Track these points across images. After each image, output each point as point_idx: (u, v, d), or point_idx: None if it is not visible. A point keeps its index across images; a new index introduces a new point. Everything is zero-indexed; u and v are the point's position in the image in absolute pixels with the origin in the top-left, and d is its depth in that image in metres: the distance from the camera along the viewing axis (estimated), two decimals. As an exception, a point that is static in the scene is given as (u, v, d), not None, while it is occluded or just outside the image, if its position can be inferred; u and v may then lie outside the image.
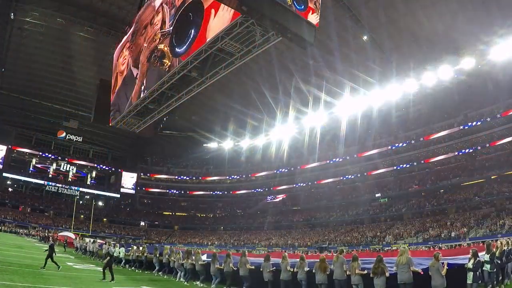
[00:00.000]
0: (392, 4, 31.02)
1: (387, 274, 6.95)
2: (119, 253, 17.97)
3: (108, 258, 12.14)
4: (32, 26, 37.34)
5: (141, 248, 16.91)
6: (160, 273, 14.26)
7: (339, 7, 30.26)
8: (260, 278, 9.49)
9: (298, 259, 9.08)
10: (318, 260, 8.62)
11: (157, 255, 14.74)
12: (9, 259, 15.05)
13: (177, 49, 12.63)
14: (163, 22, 13.74)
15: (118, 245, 20.29)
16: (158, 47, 13.89)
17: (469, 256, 7.89)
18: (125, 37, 18.38)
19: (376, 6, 31.08)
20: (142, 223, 63.92)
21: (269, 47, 11.48)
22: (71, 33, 39.06)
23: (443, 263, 6.87)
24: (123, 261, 17.27)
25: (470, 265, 7.68)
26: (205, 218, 65.06)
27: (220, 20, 10.48)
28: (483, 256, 8.60)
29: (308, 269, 8.54)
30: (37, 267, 13.14)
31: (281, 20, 8.57)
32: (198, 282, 11.44)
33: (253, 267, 9.91)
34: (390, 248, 36.05)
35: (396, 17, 32.47)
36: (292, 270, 8.81)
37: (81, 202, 61.28)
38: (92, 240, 25.37)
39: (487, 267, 8.44)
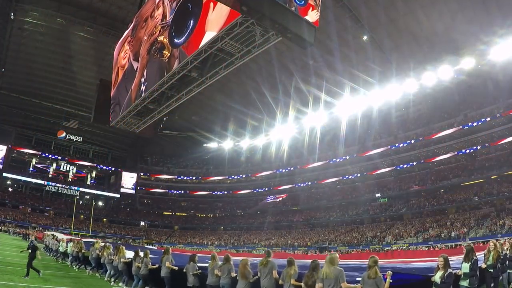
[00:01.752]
0: (392, 4, 31.06)
1: (318, 287, 5.25)
2: (66, 248, 16.88)
3: (30, 252, 11.06)
4: (32, 26, 37.38)
5: (78, 243, 15.44)
6: (92, 270, 13.30)
7: (339, 7, 30.31)
8: (185, 281, 8.07)
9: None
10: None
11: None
12: (9, 259, 15.07)
13: (176, 40, 12.64)
14: (164, 16, 13.76)
15: (65, 239, 19.08)
16: (158, 39, 13.92)
17: (438, 264, 5.60)
18: (126, 32, 18.44)
19: (376, 6, 31.12)
20: (142, 223, 63.91)
21: (269, 47, 11.46)
22: (71, 33, 39.11)
23: (385, 274, 5.01)
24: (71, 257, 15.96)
25: (437, 278, 5.49)
26: (205, 218, 65.06)
27: (218, 13, 10.51)
28: (461, 265, 6.36)
29: (235, 274, 7.00)
30: (37, 267, 13.14)
31: (281, 20, 8.56)
32: (120, 284, 10.38)
33: (175, 267, 8.57)
34: (390, 248, 36.08)
35: (396, 17, 32.51)
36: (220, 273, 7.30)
37: (81, 202, 61.29)
38: (55, 236, 24.12)
39: (463, 283, 6.11)
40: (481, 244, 25.99)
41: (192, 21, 11.69)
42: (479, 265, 6.48)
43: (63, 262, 16.65)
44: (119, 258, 10.65)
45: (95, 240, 16.51)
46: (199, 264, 8.30)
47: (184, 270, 8.12)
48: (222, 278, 7.17)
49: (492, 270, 7.37)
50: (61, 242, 18.38)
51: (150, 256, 9.78)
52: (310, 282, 5.43)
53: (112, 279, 11.18)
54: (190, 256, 8.40)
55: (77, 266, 14.53)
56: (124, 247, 11.29)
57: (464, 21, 31.26)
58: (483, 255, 7.83)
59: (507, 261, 7.71)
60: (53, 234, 27.13)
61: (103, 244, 13.30)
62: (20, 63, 45.02)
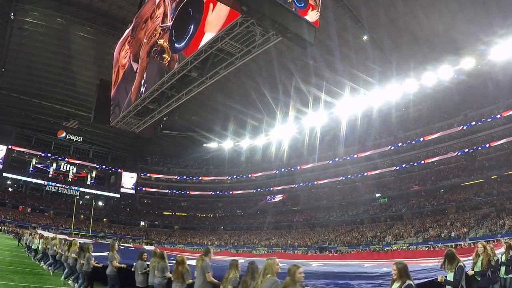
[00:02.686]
0: (392, 4, 31.06)
1: None
2: (38, 245, 15.64)
3: None
4: (32, 26, 37.40)
5: (46, 239, 14.23)
6: (49, 267, 12.30)
7: (339, 7, 30.31)
8: (133, 280, 7.27)
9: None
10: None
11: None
12: (9, 259, 15.08)
13: (176, 45, 12.67)
14: (165, 15, 13.75)
15: (37, 235, 18.22)
16: (158, 42, 13.93)
17: (393, 275, 4.19)
18: (126, 32, 18.47)
19: (376, 6, 31.12)
20: (142, 223, 63.90)
21: (269, 47, 11.48)
22: (71, 33, 39.14)
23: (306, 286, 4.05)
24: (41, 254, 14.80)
25: None
26: (205, 218, 65.05)
27: (217, 14, 10.53)
28: (445, 272, 5.30)
29: (170, 274, 6.22)
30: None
31: (281, 20, 8.57)
32: (70, 282, 9.59)
33: (123, 265, 7.80)
34: (390, 248, 36.08)
35: (396, 17, 32.51)
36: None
37: (81, 202, 61.29)
38: (33, 232, 22.11)
39: None
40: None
41: (192, 26, 11.73)
42: (466, 271, 5.44)
43: (35, 260, 15.61)
44: (70, 253, 9.58)
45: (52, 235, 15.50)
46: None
47: (132, 269, 7.33)
48: (155, 278, 6.41)
49: (480, 279, 6.01)
50: (33, 239, 17.54)
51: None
52: None
53: (63, 277, 10.14)
54: (139, 253, 7.42)
55: (42, 262, 13.78)
56: (78, 242, 10.02)
57: (464, 21, 31.26)
58: (471, 259, 6.43)
59: (503, 266, 6.44)
60: (36, 231, 26.53)
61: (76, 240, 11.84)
62: (20, 63, 45.02)
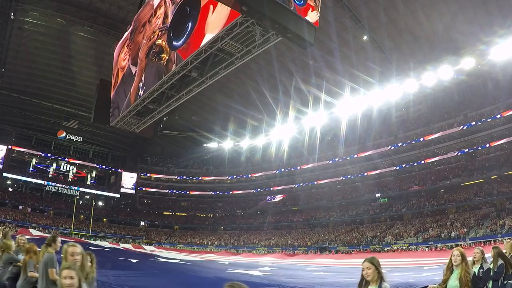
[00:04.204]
0: (392, 4, 31.07)
1: None
2: None
3: None
4: (32, 26, 37.40)
5: None
6: None
7: (339, 7, 30.32)
8: None
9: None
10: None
11: None
12: None
13: (174, 43, 12.70)
14: (166, 15, 13.75)
15: None
16: (156, 42, 13.95)
17: None
18: (125, 34, 18.50)
19: (376, 6, 31.15)
20: (142, 223, 63.84)
21: (269, 47, 11.51)
22: (71, 33, 39.15)
23: None
24: None
25: None
26: (205, 218, 65.01)
27: (218, 15, 10.54)
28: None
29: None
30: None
31: (281, 20, 8.57)
32: None
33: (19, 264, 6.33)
34: (390, 248, 36.10)
35: (396, 17, 32.53)
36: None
37: (81, 202, 61.24)
38: None
39: None
40: (482, 244, 25.98)
41: (190, 24, 11.75)
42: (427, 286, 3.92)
43: None
44: None
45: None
46: None
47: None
48: (19, 280, 5.10)
49: None
50: None
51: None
52: None
53: None
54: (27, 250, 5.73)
55: None
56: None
57: (464, 21, 31.28)
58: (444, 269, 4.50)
59: (490, 281, 4.83)
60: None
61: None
62: (20, 63, 45.01)
